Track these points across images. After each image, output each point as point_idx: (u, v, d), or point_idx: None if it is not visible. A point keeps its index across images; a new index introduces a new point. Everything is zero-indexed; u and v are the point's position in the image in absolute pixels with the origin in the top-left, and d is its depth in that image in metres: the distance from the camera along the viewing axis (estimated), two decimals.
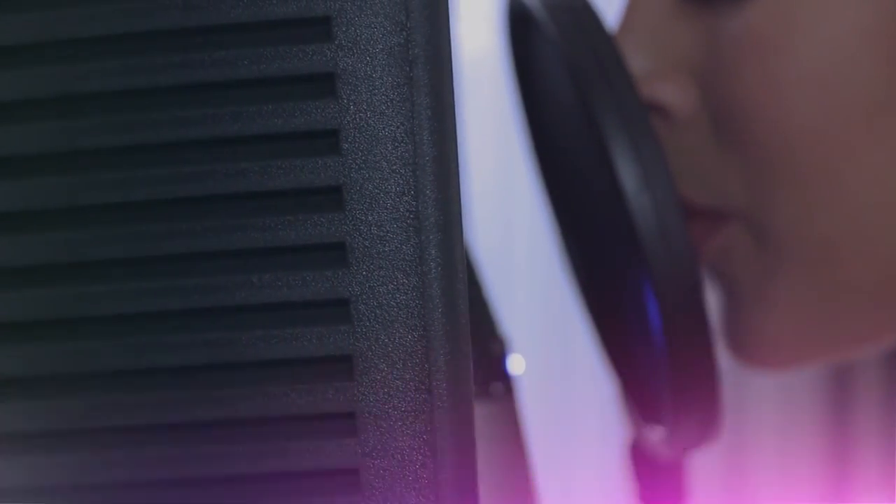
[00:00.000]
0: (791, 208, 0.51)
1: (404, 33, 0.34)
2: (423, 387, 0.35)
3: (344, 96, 0.34)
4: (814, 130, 0.50)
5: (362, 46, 0.34)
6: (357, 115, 0.34)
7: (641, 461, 0.57)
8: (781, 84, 0.50)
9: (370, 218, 0.34)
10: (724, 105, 0.51)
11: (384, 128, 0.34)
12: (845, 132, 0.50)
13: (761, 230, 0.52)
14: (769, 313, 0.53)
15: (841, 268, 0.51)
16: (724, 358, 0.54)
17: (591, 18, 0.50)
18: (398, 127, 0.34)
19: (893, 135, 0.50)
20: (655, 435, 0.54)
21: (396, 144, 0.34)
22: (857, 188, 0.50)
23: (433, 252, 0.34)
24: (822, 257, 0.51)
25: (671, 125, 0.53)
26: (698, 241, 0.53)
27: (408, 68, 0.34)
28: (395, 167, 0.34)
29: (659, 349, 0.49)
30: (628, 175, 0.48)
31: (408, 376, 0.35)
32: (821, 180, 0.50)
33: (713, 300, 0.53)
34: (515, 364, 0.48)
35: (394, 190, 0.34)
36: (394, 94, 0.34)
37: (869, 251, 0.51)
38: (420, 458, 0.35)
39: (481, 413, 0.46)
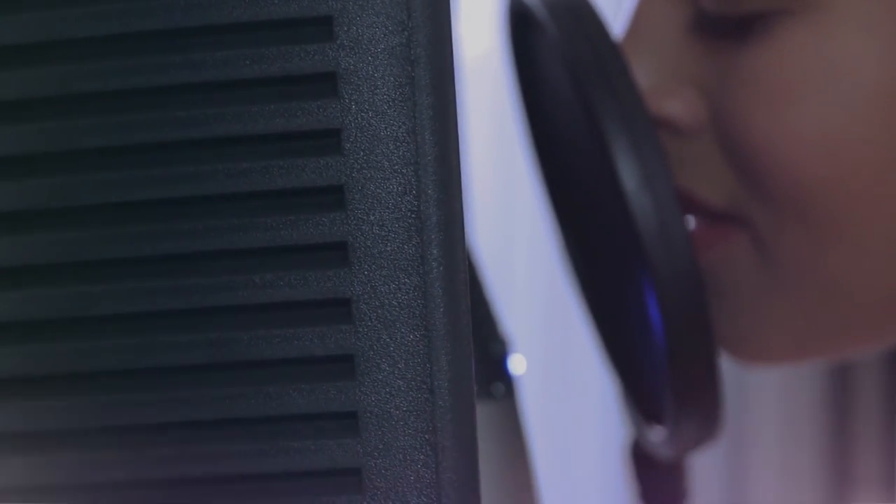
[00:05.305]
0: (798, 243, 0.50)
1: (406, 33, 0.34)
2: (424, 386, 0.35)
3: (346, 96, 0.34)
4: (824, 179, 0.49)
5: (364, 46, 0.34)
6: (359, 115, 0.34)
7: (642, 461, 0.57)
8: (792, 133, 0.49)
9: (372, 217, 0.34)
10: (734, 134, 0.50)
11: (386, 127, 0.34)
12: (857, 185, 0.49)
13: (767, 252, 0.51)
14: (761, 326, 0.52)
15: (844, 300, 0.51)
16: (724, 358, 0.54)
17: (592, 18, 0.50)
18: (400, 126, 0.34)
19: None
20: (656, 435, 0.54)
21: (398, 144, 0.34)
22: (868, 236, 0.50)
23: (435, 252, 0.34)
24: (825, 290, 0.51)
25: (680, 138, 0.52)
26: (708, 242, 0.52)
27: (409, 68, 0.34)
28: (396, 167, 0.34)
29: (659, 349, 0.49)
30: (628, 174, 0.48)
31: (409, 376, 0.35)
32: (831, 224, 0.50)
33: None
34: (516, 364, 0.48)
35: (395, 189, 0.34)
36: (395, 93, 0.34)
37: (876, 289, 0.51)
38: (422, 457, 0.35)
39: (483, 413, 0.46)
